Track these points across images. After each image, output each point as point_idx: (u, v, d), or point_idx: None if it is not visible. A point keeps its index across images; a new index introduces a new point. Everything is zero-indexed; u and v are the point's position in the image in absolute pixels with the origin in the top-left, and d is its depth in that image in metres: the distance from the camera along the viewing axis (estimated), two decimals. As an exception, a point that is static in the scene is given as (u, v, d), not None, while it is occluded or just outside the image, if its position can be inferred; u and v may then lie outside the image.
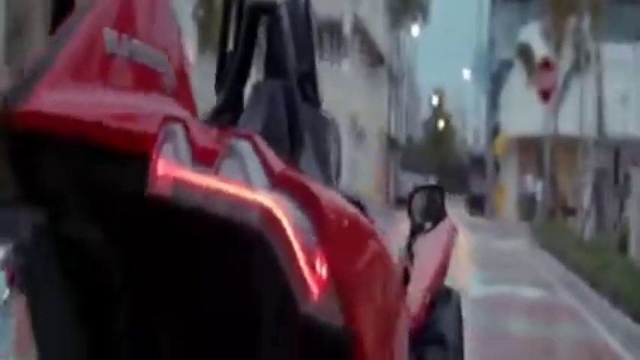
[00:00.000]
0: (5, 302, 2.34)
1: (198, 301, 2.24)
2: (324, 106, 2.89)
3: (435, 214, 3.70)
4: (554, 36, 30.14)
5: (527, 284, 15.27)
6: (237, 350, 2.24)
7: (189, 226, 2.08)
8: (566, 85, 29.61)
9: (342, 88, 40.10)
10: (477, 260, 19.41)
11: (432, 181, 40.68)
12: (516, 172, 41.60)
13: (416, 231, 3.65)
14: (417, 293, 3.44)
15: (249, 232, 2.04)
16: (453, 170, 64.28)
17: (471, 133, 76.58)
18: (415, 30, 56.22)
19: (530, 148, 38.27)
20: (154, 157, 1.98)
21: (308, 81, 2.73)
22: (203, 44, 21.21)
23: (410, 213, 3.67)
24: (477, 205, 45.31)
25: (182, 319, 2.28)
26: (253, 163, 2.06)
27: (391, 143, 51.07)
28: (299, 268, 2.06)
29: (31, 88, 1.91)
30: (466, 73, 77.03)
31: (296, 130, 2.47)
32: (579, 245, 19.48)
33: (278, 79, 2.56)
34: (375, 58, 49.91)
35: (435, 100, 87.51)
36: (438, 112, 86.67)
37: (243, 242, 2.07)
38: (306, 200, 2.09)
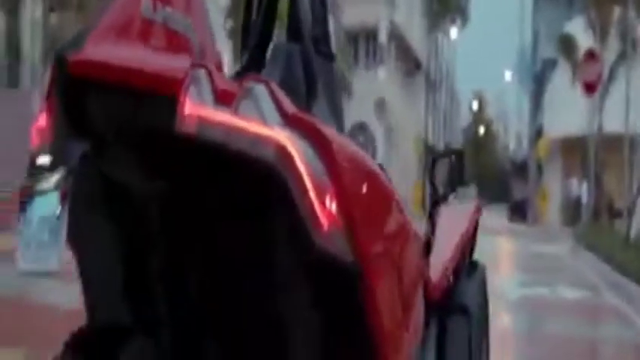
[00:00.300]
0: (58, 218, 2.50)
1: (219, 236, 2.45)
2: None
3: (456, 180, 3.69)
4: (600, 26, 29.36)
5: (570, 285, 14.75)
6: (254, 277, 2.44)
7: (211, 164, 2.26)
8: (612, 76, 28.74)
9: (378, 96, 39.43)
10: (517, 265, 18.99)
11: (472, 189, 40.22)
12: (560, 175, 40.56)
13: (438, 200, 3.61)
14: (438, 264, 3.47)
15: (265, 167, 2.17)
16: (494, 177, 63.13)
17: (513, 137, 75.34)
18: (454, 32, 55.27)
19: (574, 150, 37.13)
20: (181, 98, 2.18)
21: (322, 39, 2.89)
22: (234, 56, 21.27)
23: (432, 182, 3.64)
24: (519, 211, 44.28)
25: (206, 255, 2.50)
26: (267, 104, 2.20)
27: (428, 150, 50.13)
28: (310, 201, 2.19)
29: (81, 42, 2.20)
30: (508, 75, 75.83)
31: (312, 84, 2.66)
32: (625, 244, 18.92)
33: (297, 43, 2.76)
34: (411, 63, 49.23)
35: (475, 105, 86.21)
36: (478, 117, 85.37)
37: (260, 177, 2.20)
38: (317, 141, 2.21)
